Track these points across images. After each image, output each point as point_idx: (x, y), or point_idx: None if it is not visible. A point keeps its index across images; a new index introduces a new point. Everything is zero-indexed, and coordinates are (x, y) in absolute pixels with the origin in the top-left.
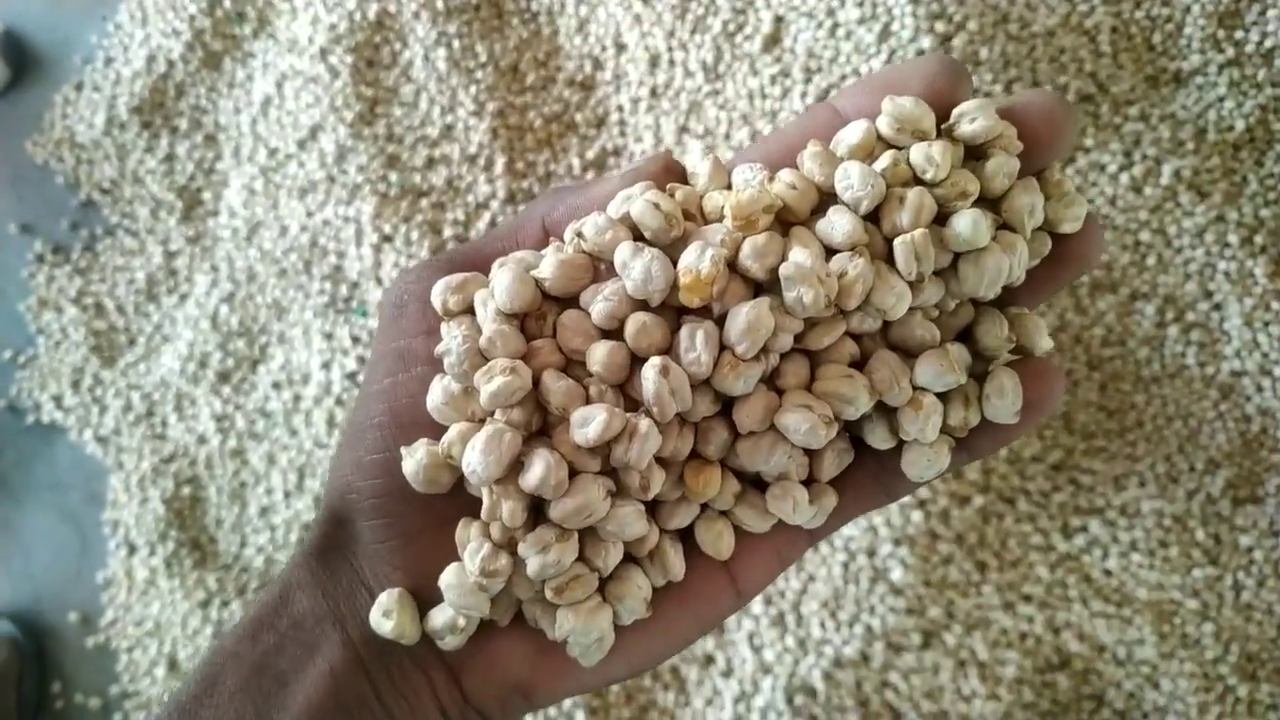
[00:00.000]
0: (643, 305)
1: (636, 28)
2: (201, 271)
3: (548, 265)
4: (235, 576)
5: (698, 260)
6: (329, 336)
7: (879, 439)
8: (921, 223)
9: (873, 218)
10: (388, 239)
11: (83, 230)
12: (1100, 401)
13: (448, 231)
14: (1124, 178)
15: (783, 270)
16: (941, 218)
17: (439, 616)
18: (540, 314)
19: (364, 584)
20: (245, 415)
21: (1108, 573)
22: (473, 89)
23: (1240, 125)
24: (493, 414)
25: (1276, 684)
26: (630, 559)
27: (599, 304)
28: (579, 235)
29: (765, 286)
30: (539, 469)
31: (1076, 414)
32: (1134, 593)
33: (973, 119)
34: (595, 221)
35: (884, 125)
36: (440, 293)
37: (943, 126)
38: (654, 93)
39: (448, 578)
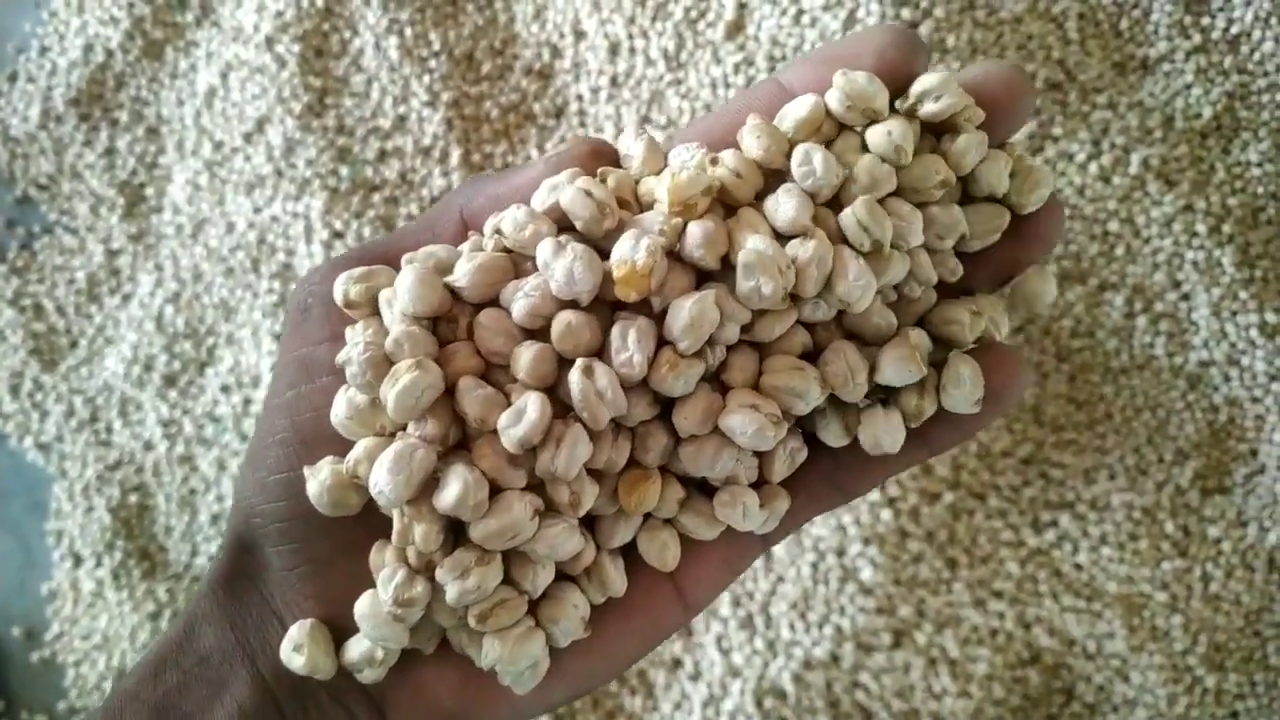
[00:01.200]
0: (570, 303)
1: (596, 14)
2: (145, 271)
3: (462, 270)
4: (186, 587)
5: (632, 251)
6: (279, 337)
7: (833, 435)
8: (876, 189)
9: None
10: (339, 235)
11: (19, 228)
12: (1069, 393)
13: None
14: (1093, 167)
15: (742, 258)
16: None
17: (355, 649)
18: (452, 316)
19: (275, 614)
20: (193, 420)
21: (1078, 567)
22: (426, 78)
23: (1207, 113)
24: (404, 427)
25: (1244, 674)
26: (565, 575)
27: (520, 301)
28: (498, 232)
29: (710, 275)
30: (455, 488)
31: (1046, 406)
32: (1104, 586)
33: (937, 96)
34: (514, 216)
35: (834, 100)
36: (342, 284)
37: (897, 103)
38: (614, 81)
39: (361, 607)
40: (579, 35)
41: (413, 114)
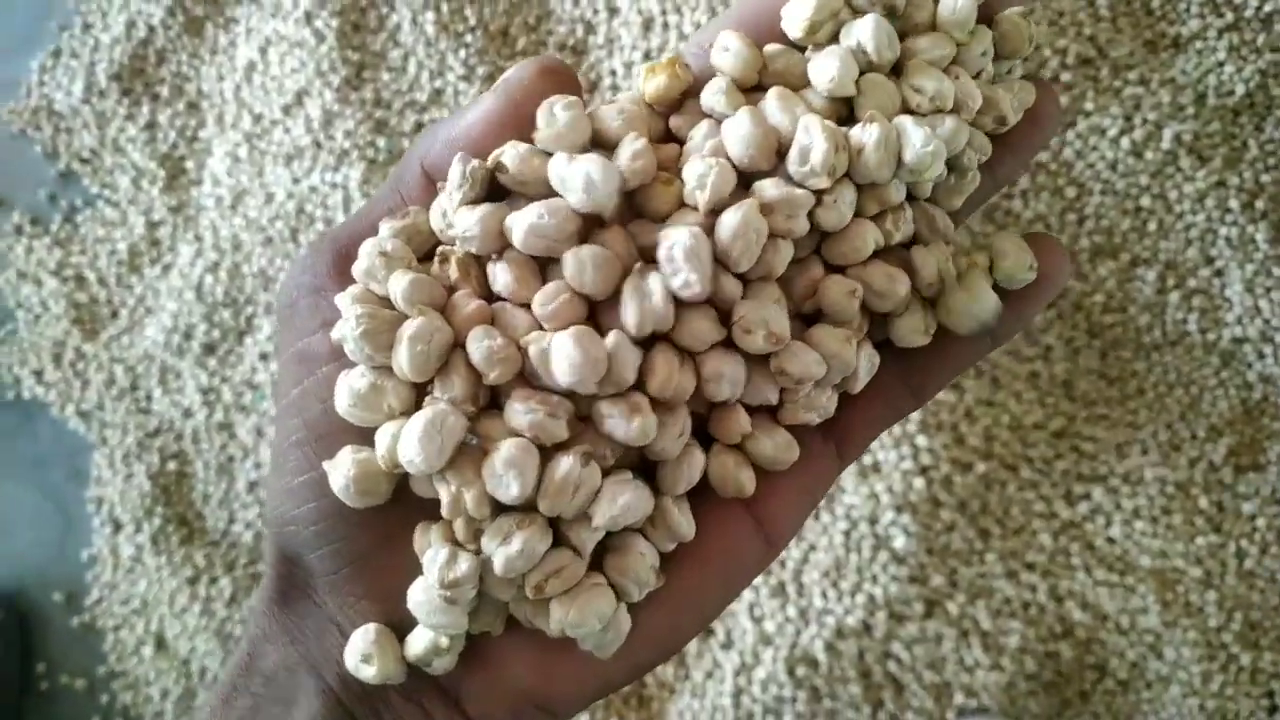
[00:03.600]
0: (594, 221)
1: None
2: (185, 241)
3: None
4: (223, 552)
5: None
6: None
7: (911, 334)
8: (940, 63)
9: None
10: None
11: (62, 201)
12: (1101, 369)
13: None
14: (1125, 142)
15: (803, 121)
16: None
17: (419, 642)
18: (464, 267)
19: (332, 621)
20: (232, 388)
21: (1111, 540)
22: (462, 53)
23: (1240, 90)
24: (428, 390)
25: (1278, 652)
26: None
27: (520, 220)
28: (500, 168)
29: (753, 182)
30: (514, 485)
31: (1078, 381)
32: (1137, 561)
33: None
34: (515, 151)
35: None
36: (373, 246)
37: None
38: (647, 57)
39: (415, 595)
40: (612, 11)
41: (448, 88)
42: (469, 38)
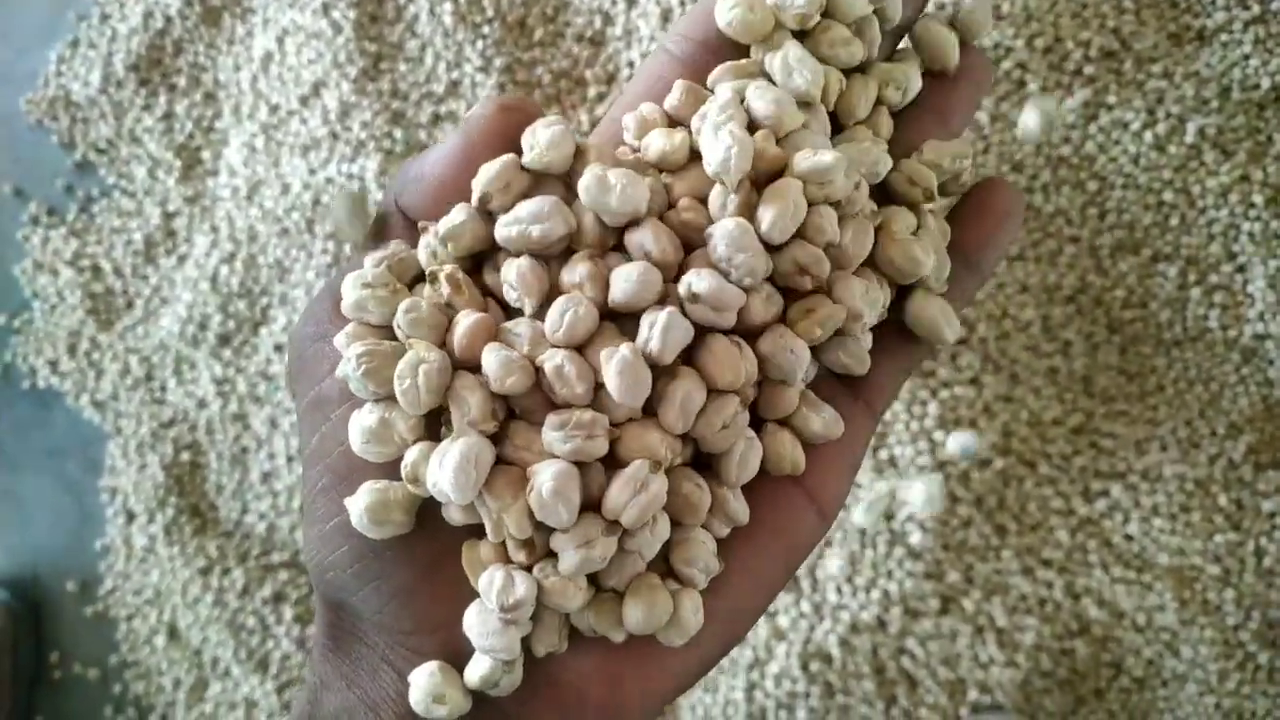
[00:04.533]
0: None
1: None
2: (201, 232)
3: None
4: (236, 543)
5: None
6: None
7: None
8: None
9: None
10: None
11: (78, 191)
12: (1121, 365)
13: None
14: (1147, 135)
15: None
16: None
17: (478, 668)
18: (456, 287)
19: (384, 660)
20: (247, 379)
21: (1128, 537)
22: (479, 44)
23: (1266, 84)
24: (443, 422)
25: None
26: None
27: (502, 227)
28: (485, 198)
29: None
30: (564, 513)
31: (1097, 377)
32: (1155, 558)
33: None
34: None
35: None
36: (357, 279)
37: None
38: None
39: (470, 619)
40: (630, 2)
41: (466, 79)
42: (486, 29)
